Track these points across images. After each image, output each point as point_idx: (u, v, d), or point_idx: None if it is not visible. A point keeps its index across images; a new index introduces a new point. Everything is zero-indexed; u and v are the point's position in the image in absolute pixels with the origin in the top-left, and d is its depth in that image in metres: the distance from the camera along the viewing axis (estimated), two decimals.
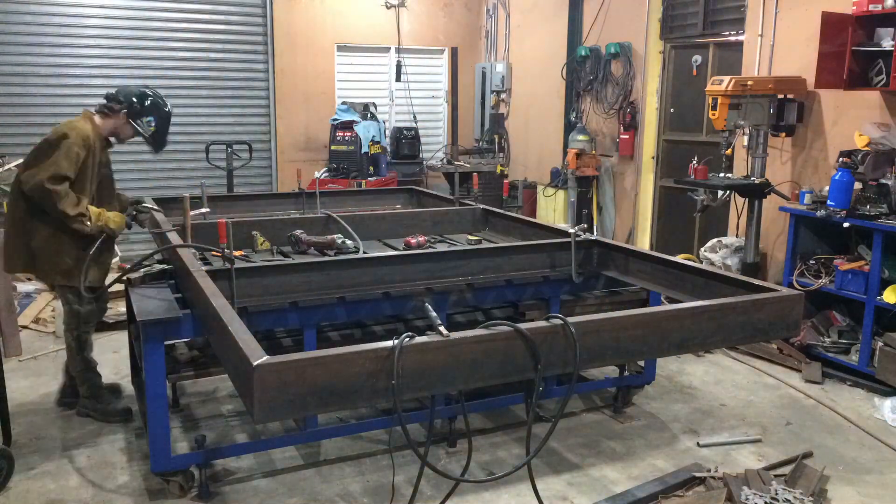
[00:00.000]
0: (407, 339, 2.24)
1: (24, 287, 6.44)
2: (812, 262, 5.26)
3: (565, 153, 8.16)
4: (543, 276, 3.97)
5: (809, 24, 5.53)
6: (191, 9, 8.70)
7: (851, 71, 5.06)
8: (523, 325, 2.44)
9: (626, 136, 7.68)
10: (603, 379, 4.63)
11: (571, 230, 4.00)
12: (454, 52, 9.46)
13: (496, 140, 9.38)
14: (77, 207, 3.84)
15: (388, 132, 9.46)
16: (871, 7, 4.93)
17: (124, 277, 3.58)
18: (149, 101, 4.14)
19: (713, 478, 3.53)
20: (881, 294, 4.69)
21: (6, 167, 6.84)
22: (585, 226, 4.13)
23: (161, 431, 3.32)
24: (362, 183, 8.09)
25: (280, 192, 8.22)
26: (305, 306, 3.47)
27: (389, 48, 9.84)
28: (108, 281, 4.14)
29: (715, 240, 6.10)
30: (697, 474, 3.58)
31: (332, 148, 8.76)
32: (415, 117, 9.92)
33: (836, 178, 4.92)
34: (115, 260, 6.17)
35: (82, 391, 4.27)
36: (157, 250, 4.01)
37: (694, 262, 4.21)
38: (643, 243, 7.70)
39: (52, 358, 5.25)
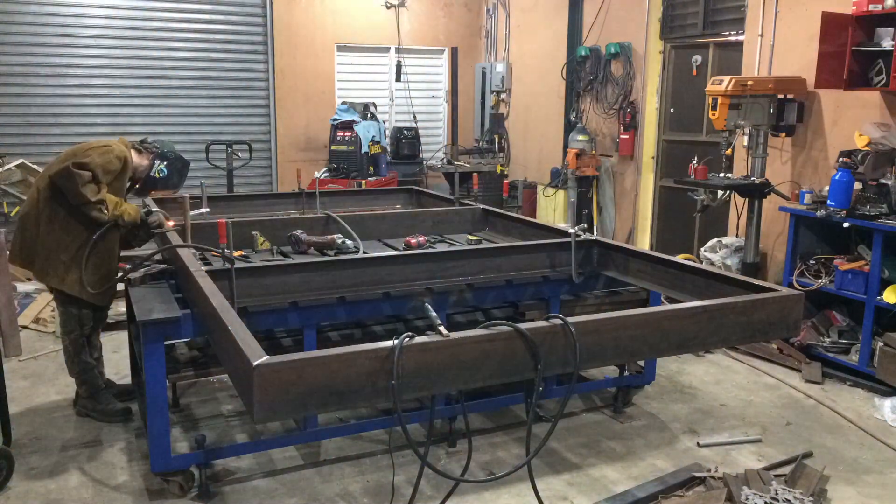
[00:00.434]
0: (407, 339, 2.24)
1: (24, 287, 6.44)
2: (812, 262, 5.26)
3: (565, 153, 8.16)
4: (543, 276, 3.97)
5: (809, 24, 5.53)
6: (191, 9, 8.71)
7: (851, 71, 5.06)
8: (523, 325, 2.44)
9: (626, 136, 7.68)
10: (603, 379, 4.63)
11: (571, 230, 4.00)
12: (454, 52, 9.46)
13: (496, 140, 9.38)
14: (97, 195, 3.91)
15: (388, 132, 9.46)
16: (871, 7, 4.93)
17: (125, 277, 3.59)
18: (174, 156, 4.43)
19: (713, 478, 3.53)
20: (881, 294, 4.69)
21: (6, 167, 6.84)
22: (585, 226, 4.13)
23: (161, 431, 3.31)
24: (362, 183, 8.09)
25: (280, 192, 8.22)
26: (305, 306, 3.47)
27: (389, 48, 9.84)
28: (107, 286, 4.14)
29: (715, 240, 6.10)
30: (697, 474, 3.58)
31: (332, 148, 8.77)
32: (415, 117, 9.92)
33: (836, 178, 4.91)
34: None
35: (81, 391, 4.27)
36: (157, 250, 4.01)
37: (694, 262, 4.21)
38: (643, 243, 7.70)
39: (52, 358, 5.25)
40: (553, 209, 8.53)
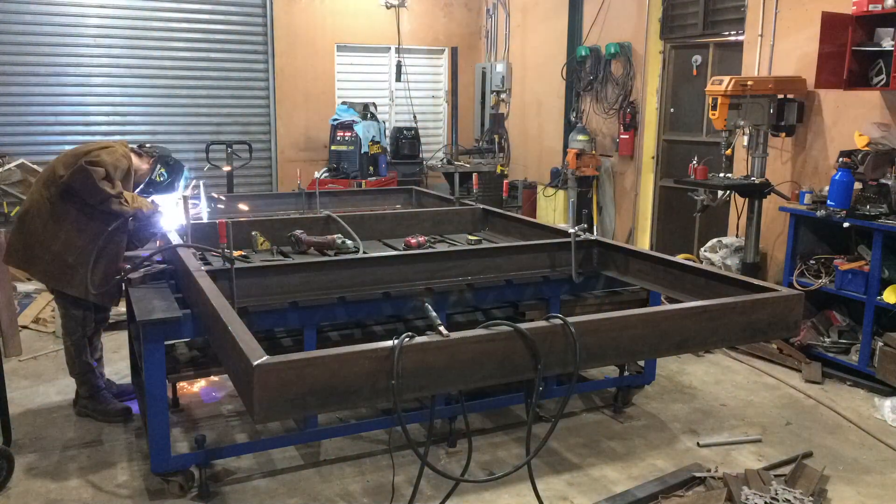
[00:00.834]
0: (407, 339, 2.24)
1: (24, 287, 6.44)
2: (812, 262, 5.26)
3: (565, 153, 8.15)
4: (543, 276, 3.97)
5: (809, 24, 5.53)
6: (191, 9, 8.71)
7: (851, 71, 5.06)
8: (523, 325, 2.44)
9: (626, 136, 7.68)
10: (603, 379, 4.63)
11: (571, 230, 4.00)
12: (454, 52, 9.46)
13: (496, 140, 9.37)
14: (115, 188, 3.91)
15: (388, 132, 9.46)
16: (871, 7, 4.93)
17: (125, 277, 3.59)
18: (174, 161, 4.47)
19: (713, 478, 3.53)
20: (881, 294, 4.69)
21: (6, 167, 6.84)
22: (585, 226, 4.13)
23: (161, 431, 3.32)
24: (362, 183, 8.09)
25: (280, 192, 8.22)
26: (305, 306, 3.47)
27: (389, 48, 9.84)
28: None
29: (715, 240, 6.10)
30: (697, 474, 3.58)
31: (332, 148, 8.76)
32: (415, 117, 9.92)
33: (836, 178, 4.91)
34: None
35: (82, 391, 4.27)
36: (157, 250, 4.01)
37: (694, 262, 4.21)
38: (643, 243, 7.70)
39: (52, 358, 5.25)
40: (553, 209, 8.53)
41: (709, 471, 3.63)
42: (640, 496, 3.42)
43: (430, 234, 4.89)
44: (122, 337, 5.41)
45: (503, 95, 9.74)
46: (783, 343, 5.23)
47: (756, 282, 3.14)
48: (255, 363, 2.07)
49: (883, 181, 4.85)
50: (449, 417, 3.99)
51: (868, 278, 4.77)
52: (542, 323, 2.50)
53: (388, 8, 9.68)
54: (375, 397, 2.25)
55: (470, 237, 4.80)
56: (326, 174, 8.45)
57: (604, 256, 4.02)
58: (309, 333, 3.53)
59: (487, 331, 2.40)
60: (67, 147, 4.30)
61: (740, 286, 3.12)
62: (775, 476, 3.55)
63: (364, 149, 8.55)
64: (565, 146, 8.41)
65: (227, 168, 7.60)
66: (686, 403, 4.62)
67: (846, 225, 4.88)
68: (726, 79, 5.30)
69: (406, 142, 9.41)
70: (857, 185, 4.92)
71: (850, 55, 5.02)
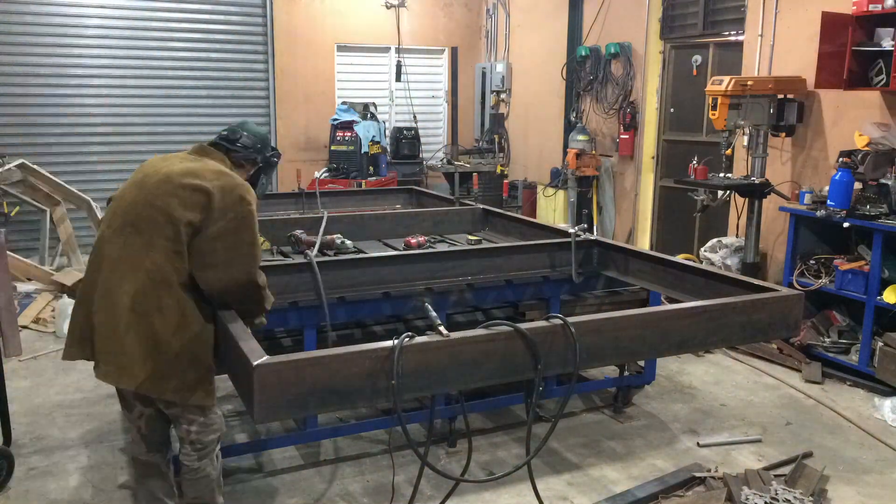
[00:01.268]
0: (407, 339, 2.24)
1: (24, 287, 6.44)
2: (812, 262, 5.25)
3: (565, 153, 8.16)
4: (543, 276, 3.97)
5: (809, 24, 5.53)
6: (191, 9, 8.71)
7: (851, 71, 5.06)
8: (523, 325, 2.44)
9: (626, 136, 7.68)
10: (603, 379, 4.62)
11: (571, 230, 4.00)
12: (454, 52, 9.46)
13: (496, 140, 9.38)
14: (265, 291, 2.83)
15: (388, 132, 9.47)
16: (871, 7, 4.93)
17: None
18: (272, 150, 3.15)
19: (713, 478, 3.53)
20: (881, 294, 4.69)
21: (6, 167, 6.84)
22: (585, 226, 4.14)
23: None
24: (362, 183, 8.09)
25: (280, 192, 8.22)
26: (305, 306, 3.47)
27: (389, 48, 9.84)
28: None
29: (715, 240, 6.10)
30: (697, 474, 3.58)
31: (332, 148, 8.77)
32: (415, 117, 9.92)
33: (836, 178, 4.91)
34: None
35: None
36: None
37: (694, 262, 4.21)
38: (643, 243, 7.70)
39: (52, 358, 5.25)
40: (553, 209, 8.53)
41: (709, 471, 3.63)
42: (640, 496, 3.42)
43: (430, 234, 4.89)
44: None
45: (503, 95, 9.75)
46: (783, 343, 5.23)
47: (756, 282, 3.15)
48: (256, 363, 2.07)
49: (883, 181, 4.85)
50: (449, 417, 3.99)
51: (868, 278, 4.77)
52: (542, 323, 2.50)
53: (388, 8, 9.68)
54: (375, 397, 2.26)
55: (470, 237, 4.80)
56: (326, 174, 8.45)
57: (604, 256, 4.02)
58: (309, 333, 3.53)
59: (487, 331, 2.40)
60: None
61: (740, 286, 3.12)
62: (775, 476, 3.55)
63: (364, 149, 8.56)
64: (565, 146, 8.41)
65: None
66: (686, 403, 4.62)
67: (846, 225, 4.88)
68: (726, 79, 5.30)
69: (406, 142, 9.42)
70: (857, 185, 4.92)
71: (850, 55, 5.02)
